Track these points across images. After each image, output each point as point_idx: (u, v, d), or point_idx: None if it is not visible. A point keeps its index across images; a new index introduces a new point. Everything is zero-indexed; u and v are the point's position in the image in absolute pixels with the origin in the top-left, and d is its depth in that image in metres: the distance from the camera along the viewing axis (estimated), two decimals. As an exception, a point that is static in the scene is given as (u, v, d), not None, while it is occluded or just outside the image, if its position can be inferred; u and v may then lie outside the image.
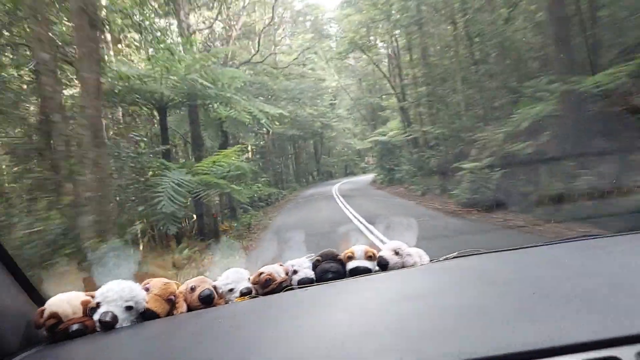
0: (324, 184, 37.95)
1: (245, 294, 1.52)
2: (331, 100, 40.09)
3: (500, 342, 0.83)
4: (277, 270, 1.58)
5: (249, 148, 24.87)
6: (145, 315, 1.39)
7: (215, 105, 14.67)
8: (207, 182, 10.46)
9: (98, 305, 1.34)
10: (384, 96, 30.20)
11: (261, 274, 1.56)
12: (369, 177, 35.74)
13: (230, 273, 1.57)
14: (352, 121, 44.41)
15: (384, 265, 1.62)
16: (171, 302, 1.45)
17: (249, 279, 1.58)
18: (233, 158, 12.09)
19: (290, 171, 38.95)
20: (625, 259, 1.25)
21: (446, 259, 1.61)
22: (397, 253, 1.64)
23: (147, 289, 1.44)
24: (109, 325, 1.30)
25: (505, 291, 1.14)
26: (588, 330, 0.84)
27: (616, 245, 1.45)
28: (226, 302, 1.52)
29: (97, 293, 1.38)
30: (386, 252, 1.64)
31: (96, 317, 1.32)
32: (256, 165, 22.64)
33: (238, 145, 15.99)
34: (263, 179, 21.16)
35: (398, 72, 24.44)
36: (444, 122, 17.33)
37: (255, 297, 1.53)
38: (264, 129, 20.42)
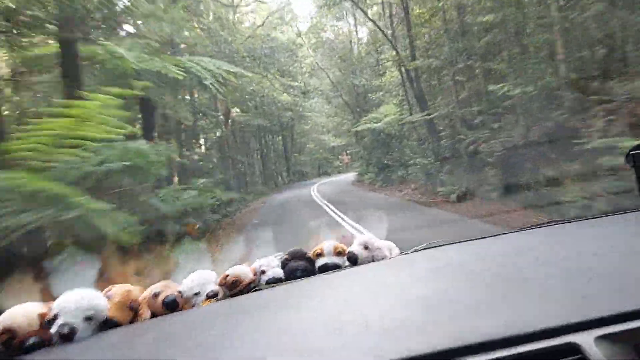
0: (298, 185, 33.19)
1: (211, 297, 1.48)
2: (303, 88, 34.28)
3: (463, 333, 0.83)
4: (244, 271, 1.55)
5: (202, 140, 21.60)
6: (107, 325, 1.34)
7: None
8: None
9: (55, 316, 1.28)
10: (386, 62, 22.25)
11: (228, 275, 1.52)
12: (348, 176, 32.92)
13: (195, 276, 1.53)
14: (325, 115, 39.88)
15: (353, 261, 1.60)
16: (134, 310, 1.40)
17: (215, 281, 1.54)
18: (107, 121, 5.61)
19: (256, 171, 33.79)
20: (584, 244, 1.25)
21: (415, 250, 1.60)
22: (366, 247, 1.62)
23: (108, 297, 1.39)
24: (68, 337, 1.25)
25: (470, 281, 1.15)
26: (548, 317, 0.84)
27: (576, 231, 1.46)
28: (192, 307, 1.48)
29: (54, 304, 1.32)
30: (355, 247, 1.62)
31: (54, 329, 1.26)
32: (210, 162, 19.63)
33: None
34: (214, 182, 16.38)
35: (407, 29, 16.66)
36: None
37: (222, 299, 1.49)
38: (220, 116, 17.87)
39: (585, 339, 0.79)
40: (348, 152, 46.20)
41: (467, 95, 14.15)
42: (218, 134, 22.73)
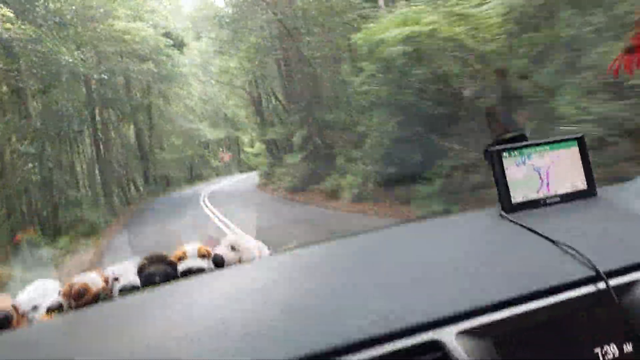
0: (167, 203, 20.70)
1: (53, 309, 1.32)
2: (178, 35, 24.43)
3: (327, 336, 0.82)
4: (93, 279, 1.40)
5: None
6: None
7: None
8: None
9: None
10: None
11: (73, 284, 1.37)
12: (243, 179, 26.90)
13: (34, 287, 1.36)
14: (198, 97, 31.30)
15: (219, 263, 1.52)
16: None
17: (59, 292, 1.38)
18: None
19: (80, 179, 18.84)
20: (443, 242, 1.28)
21: (286, 250, 1.56)
22: (234, 248, 1.54)
23: None
24: None
25: (334, 283, 1.12)
26: (409, 315, 0.85)
27: (433, 230, 1.50)
28: (28, 323, 1.31)
29: None
30: (221, 249, 1.54)
31: None
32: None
33: None
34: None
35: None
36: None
37: (67, 312, 1.33)
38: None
39: (447, 335, 0.81)
40: (225, 148, 39.41)
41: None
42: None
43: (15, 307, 1.30)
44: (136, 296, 1.36)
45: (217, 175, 35.08)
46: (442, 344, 0.80)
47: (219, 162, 37.72)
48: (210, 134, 33.54)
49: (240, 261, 1.53)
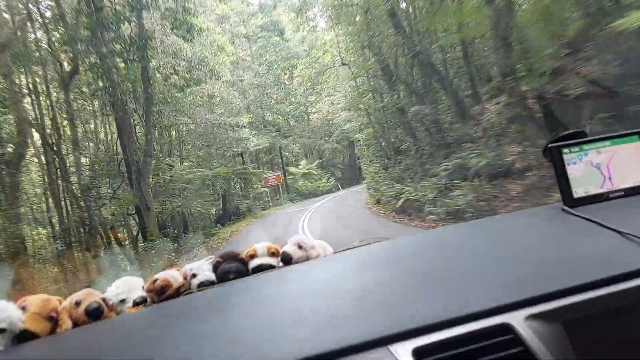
0: None
1: (139, 303, 1.42)
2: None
3: (397, 321, 0.86)
4: (173, 276, 1.49)
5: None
6: (23, 337, 1.24)
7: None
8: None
9: (-37, 331, 1.18)
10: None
11: (156, 280, 1.46)
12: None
13: (120, 282, 1.45)
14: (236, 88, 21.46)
15: (287, 260, 1.59)
16: (53, 320, 1.31)
17: (143, 287, 1.47)
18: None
19: None
20: (509, 236, 1.32)
21: (348, 249, 1.61)
22: (300, 247, 1.61)
23: (23, 308, 1.29)
24: None
25: (403, 274, 1.17)
26: (480, 301, 0.89)
27: (499, 225, 1.54)
28: (117, 314, 1.41)
29: None
30: (289, 247, 1.61)
31: (-39, 345, 1.15)
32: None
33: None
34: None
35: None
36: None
37: (150, 305, 1.43)
38: None
39: (516, 319, 0.84)
40: (271, 162, 28.49)
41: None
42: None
43: (105, 300, 1.40)
44: (213, 290, 1.44)
45: (263, 209, 22.28)
46: (512, 327, 0.84)
47: (262, 186, 24.97)
48: (255, 141, 21.89)
49: (307, 259, 1.60)
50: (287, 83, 33.02)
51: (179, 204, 18.32)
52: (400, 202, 13.36)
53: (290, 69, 32.59)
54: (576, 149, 1.40)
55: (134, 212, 17.32)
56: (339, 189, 29.71)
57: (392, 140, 18.14)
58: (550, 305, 0.88)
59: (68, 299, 1.38)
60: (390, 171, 16.93)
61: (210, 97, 21.66)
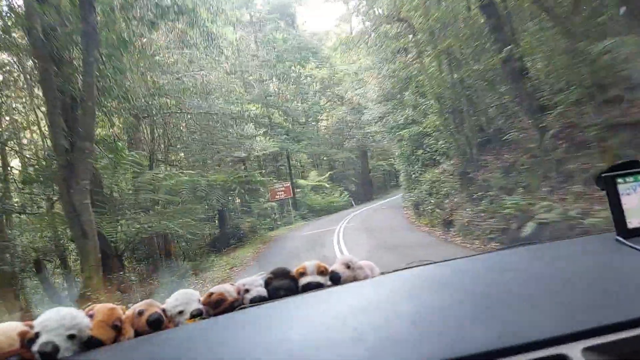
0: None
1: (195, 315, 1.48)
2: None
3: (454, 346, 0.87)
4: (228, 290, 1.55)
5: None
6: (90, 344, 1.32)
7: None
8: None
9: (37, 335, 1.26)
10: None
11: (212, 294, 1.53)
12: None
13: (179, 295, 1.53)
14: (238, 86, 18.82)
15: (336, 280, 1.63)
16: (117, 328, 1.38)
17: (199, 300, 1.54)
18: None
19: None
20: (563, 263, 1.32)
21: (396, 270, 1.64)
22: (348, 267, 1.65)
23: (90, 316, 1.37)
24: (50, 356, 1.23)
25: (456, 297, 1.18)
26: (537, 329, 0.89)
27: (552, 251, 1.53)
28: (175, 325, 1.48)
29: (35, 322, 1.30)
30: (338, 266, 1.65)
31: (35, 348, 1.24)
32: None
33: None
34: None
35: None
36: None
37: (206, 318, 1.49)
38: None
39: (573, 350, 0.84)
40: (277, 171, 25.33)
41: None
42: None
43: (164, 311, 1.47)
44: (265, 306, 1.49)
45: (270, 228, 18.76)
46: (569, 359, 0.83)
47: (268, 200, 21.08)
48: (263, 145, 18.42)
49: (355, 279, 1.64)
50: (301, 78, 28.88)
51: (150, 225, 11.76)
52: (528, 230, 8.10)
53: (301, 62, 28.56)
54: (631, 179, 1.39)
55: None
56: (352, 205, 26.85)
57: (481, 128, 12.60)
58: (607, 338, 0.87)
59: (131, 309, 1.46)
60: (471, 176, 11.83)
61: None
